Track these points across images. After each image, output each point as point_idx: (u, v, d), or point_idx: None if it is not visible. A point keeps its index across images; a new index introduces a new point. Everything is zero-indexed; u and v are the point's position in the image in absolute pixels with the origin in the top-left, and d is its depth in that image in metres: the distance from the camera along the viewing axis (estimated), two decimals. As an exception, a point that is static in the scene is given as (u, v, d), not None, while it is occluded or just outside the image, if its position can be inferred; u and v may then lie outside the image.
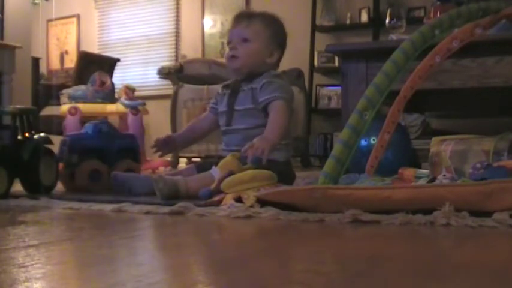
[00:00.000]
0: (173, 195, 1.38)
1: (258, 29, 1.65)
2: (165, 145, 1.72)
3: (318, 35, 4.92)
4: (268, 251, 0.81)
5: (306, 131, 4.36)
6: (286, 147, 1.63)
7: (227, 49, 1.70)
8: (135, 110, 4.00)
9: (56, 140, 1.78)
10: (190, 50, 5.73)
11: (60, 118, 4.02)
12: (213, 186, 1.34)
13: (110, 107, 4.10)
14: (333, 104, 4.90)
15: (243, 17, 1.69)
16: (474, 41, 1.39)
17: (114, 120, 3.86)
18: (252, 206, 1.15)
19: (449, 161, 1.40)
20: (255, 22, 1.66)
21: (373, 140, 1.67)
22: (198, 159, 3.98)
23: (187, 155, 4.32)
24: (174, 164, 3.97)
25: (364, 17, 4.85)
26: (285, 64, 1.76)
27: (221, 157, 1.51)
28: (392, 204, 1.03)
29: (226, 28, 5.55)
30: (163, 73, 4.38)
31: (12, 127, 1.60)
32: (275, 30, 1.68)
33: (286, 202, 1.13)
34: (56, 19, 6.47)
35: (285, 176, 1.49)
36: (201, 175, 1.49)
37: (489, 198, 0.99)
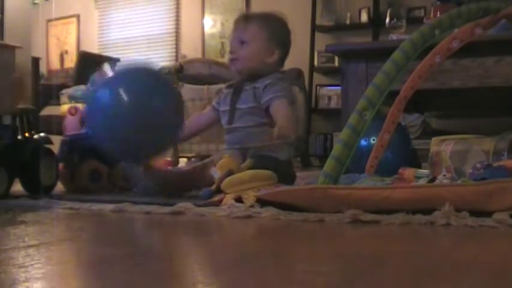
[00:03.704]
0: (165, 187, 1.45)
1: (255, 31, 1.66)
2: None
3: (318, 35, 4.92)
4: (268, 251, 0.81)
5: (306, 131, 4.36)
6: (287, 146, 1.64)
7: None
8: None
9: (56, 140, 1.78)
10: (190, 50, 5.73)
11: (60, 118, 4.02)
12: (213, 186, 1.34)
13: (110, 107, 4.10)
14: (333, 104, 4.90)
15: (241, 20, 1.71)
16: (474, 41, 1.39)
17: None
18: (252, 206, 1.15)
19: (449, 161, 1.40)
20: (251, 24, 1.68)
21: (373, 140, 1.67)
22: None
23: (187, 155, 4.32)
24: (174, 163, 3.97)
25: (364, 17, 4.85)
26: (285, 64, 1.76)
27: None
28: (392, 204, 1.03)
29: (226, 28, 5.55)
30: (163, 73, 4.37)
31: (12, 127, 1.60)
32: (274, 30, 1.68)
33: (286, 202, 1.13)
34: (56, 19, 6.47)
35: (285, 175, 1.49)
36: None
37: (489, 198, 0.99)
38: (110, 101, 1.41)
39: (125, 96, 1.39)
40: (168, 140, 1.52)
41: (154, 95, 1.44)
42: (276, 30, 1.69)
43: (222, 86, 1.82)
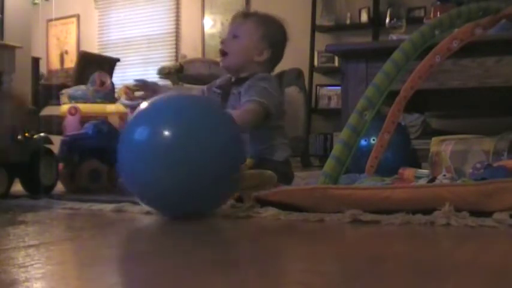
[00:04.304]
0: None
1: (250, 27, 1.67)
2: (149, 90, 1.76)
3: (318, 35, 4.92)
4: (268, 251, 0.81)
5: (306, 131, 4.35)
6: (284, 146, 1.63)
7: None
8: (135, 110, 4.00)
9: (56, 140, 1.78)
10: (190, 50, 5.73)
11: (60, 118, 4.01)
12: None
13: (110, 107, 4.10)
14: (333, 104, 4.90)
15: (239, 16, 1.73)
16: (474, 41, 1.39)
17: (114, 120, 3.85)
18: (252, 206, 1.15)
19: (449, 161, 1.40)
20: (248, 21, 1.69)
21: (373, 140, 1.67)
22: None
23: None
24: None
25: (364, 17, 4.85)
26: (285, 64, 1.76)
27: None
28: (393, 204, 1.03)
29: (226, 28, 5.55)
30: (163, 73, 4.38)
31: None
32: (269, 31, 1.67)
33: (286, 202, 1.13)
34: (56, 19, 6.46)
35: (283, 176, 1.49)
36: None
37: (489, 198, 0.99)
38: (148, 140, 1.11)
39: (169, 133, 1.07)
40: (228, 187, 1.12)
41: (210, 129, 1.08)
42: (272, 31, 1.68)
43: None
